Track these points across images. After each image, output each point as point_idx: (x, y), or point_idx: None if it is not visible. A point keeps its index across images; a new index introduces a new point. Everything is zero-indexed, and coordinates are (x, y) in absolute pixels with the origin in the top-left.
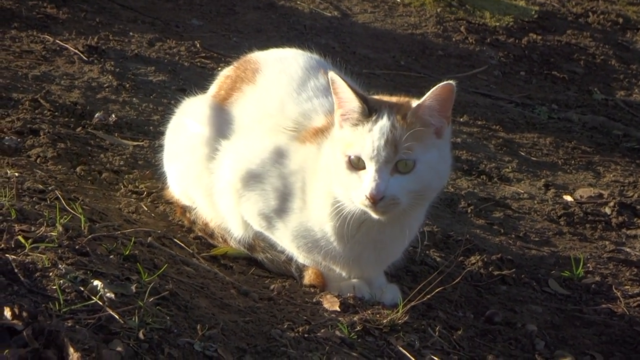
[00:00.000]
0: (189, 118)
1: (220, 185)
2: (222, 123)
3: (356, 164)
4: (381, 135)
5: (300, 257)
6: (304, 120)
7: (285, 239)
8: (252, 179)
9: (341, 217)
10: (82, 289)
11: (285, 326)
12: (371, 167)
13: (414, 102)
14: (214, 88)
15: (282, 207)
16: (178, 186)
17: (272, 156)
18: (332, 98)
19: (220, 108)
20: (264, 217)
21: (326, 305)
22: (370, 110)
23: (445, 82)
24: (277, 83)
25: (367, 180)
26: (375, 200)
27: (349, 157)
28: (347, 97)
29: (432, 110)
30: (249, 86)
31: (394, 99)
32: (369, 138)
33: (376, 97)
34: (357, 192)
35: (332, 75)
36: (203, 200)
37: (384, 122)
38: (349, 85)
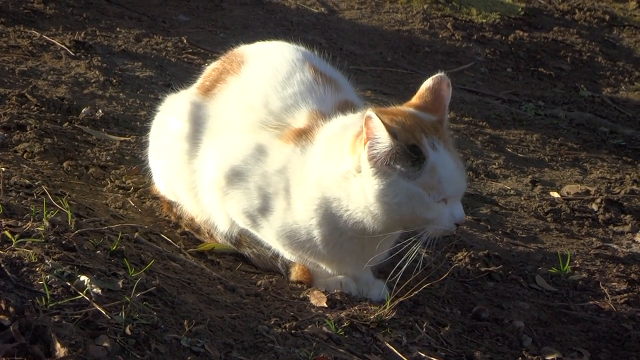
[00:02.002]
0: (170, 114)
1: (204, 182)
2: (203, 117)
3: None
4: (459, 173)
5: (286, 254)
6: (288, 117)
7: (270, 237)
8: (236, 177)
9: (334, 227)
10: (69, 284)
11: (272, 322)
12: (454, 199)
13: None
14: (199, 80)
15: (265, 206)
16: (163, 182)
17: (255, 153)
18: (316, 94)
19: (202, 102)
20: (248, 215)
21: (313, 301)
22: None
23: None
24: (261, 75)
25: (457, 209)
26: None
27: (432, 197)
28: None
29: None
30: (233, 77)
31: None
32: (450, 179)
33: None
34: (444, 220)
35: (370, 114)
36: (187, 196)
37: (448, 158)
38: (388, 132)
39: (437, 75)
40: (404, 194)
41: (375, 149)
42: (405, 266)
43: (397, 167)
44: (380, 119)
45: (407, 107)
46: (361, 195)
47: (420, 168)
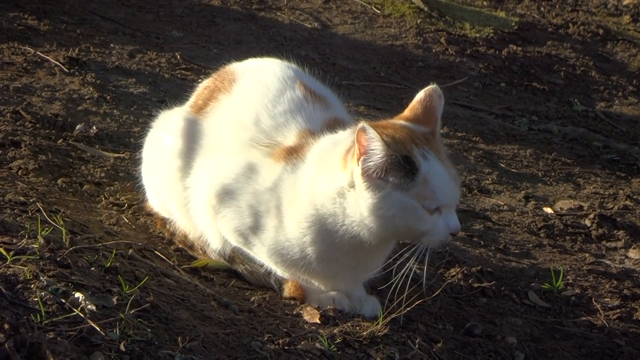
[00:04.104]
0: (163, 131)
1: (196, 200)
2: (196, 135)
3: (432, 210)
4: (451, 182)
5: (279, 271)
6: (278, 135)
7: (262, 254)
8: (227, 195)
9: (330, 243)
10: (64, 301)
11: (266, 338)
12: (448, 209)
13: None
14: (192, 99)
15: (257, 225)
16: (156, 199)
17: (246, 172)
18: (306, 112)
19: (195, 119)
20: (240, 234)
21: (306, 317)
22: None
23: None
24: (252, 93)
25: (452, 219)
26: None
27: (426, 207)
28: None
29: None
30: (225, 95)
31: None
32: (443, 188)
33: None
34: (439, 231)
35: (364, 126)
36: (179, 212)
37: (440, 168)
38: (383, 143)
39: (428, 87)
40: (398, 206)
41: (369, 162)
42: (399, 281)
43: (390, 179)
44: (374, 130)
45: (397, 120)
46: (356, 210)
47: (413, 179)
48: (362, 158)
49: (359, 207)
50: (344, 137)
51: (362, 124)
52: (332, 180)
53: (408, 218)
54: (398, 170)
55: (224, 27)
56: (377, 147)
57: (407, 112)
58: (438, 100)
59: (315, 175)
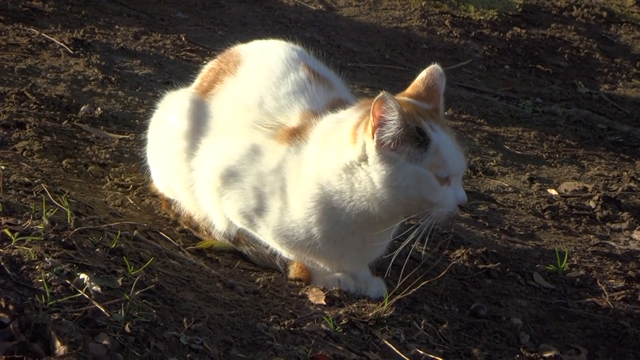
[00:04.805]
0: (169, 112)
1: (201, 182)
2: (201, 116)
3: (442, 180)
4: (459, 152)
5: (284, 253)
6: (281, 117)
7: (267, 236)
8: (232, 177)
9: (336, 222)
10: (69, 282)
11: (271, 319)
12: (456, 180)
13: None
14: (197, 80)
15: (261, 206)
16: (161, 180)
17: (250, 154)
18: (309, 93)
19: (201, 101)
20: (245, 215)
21: (312, 298)
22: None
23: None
24: (257, 75)
25: (460, 190)
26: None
27: (439, 176)
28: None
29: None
30: (230, 78)
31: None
32: (453, 157)
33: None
34: (449, 202)
35: (384, 95)
36: (184, 194)
37: (447, 138)
38: (401, 113)
39: (430, 66)
40: (412, 176)
41: (386, 133)
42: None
43: (405, 150)
44: (394, 100)
45: (402, 97)
46: (368, 184)
47: (426, 149)
48: (377, 130)
49: (371, 181)
50: (347, 114)
51: (383, 93)
52: (339, 157)
53: (422, 188)
54: (412, 140)
55: (229, 9)
56: (394, 117)
57: (409, 90)
58: (439, 78)
59: (319, 154)
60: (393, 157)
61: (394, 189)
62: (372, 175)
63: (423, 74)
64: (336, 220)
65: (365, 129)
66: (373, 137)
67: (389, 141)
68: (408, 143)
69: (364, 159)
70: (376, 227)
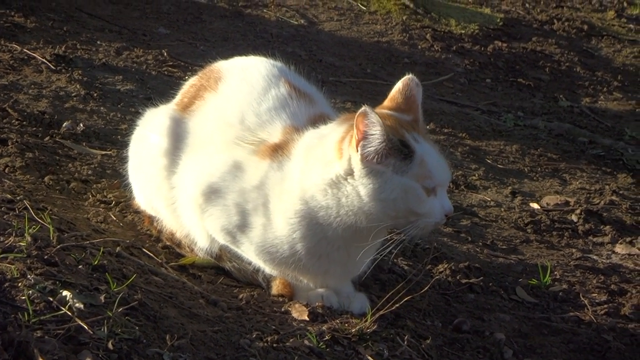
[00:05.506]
0: (149, 129)
1: (182, 199)
2: (181, 133)
3: (429, 191)
4: (444, 162)
5: (267, 269)
6: (263, 133)
7: (250, 252)
8: (214, 194)
9: (322, 237)
10: (51, 299)
11: (254, 336)
12: (441, 190)
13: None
14: (178, 97)
15: (244, 223)
16: (143, 197)
17: (232, 170)
18: (290, 108)
19: (181, 118)
20: (228, 232)
21: (295, 314)
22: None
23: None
24: (238, 91)
25: (446, 201)
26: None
27: (426, 187)
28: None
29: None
30: (210, 94)
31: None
32: (438, 167)
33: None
34: (435, 212)
35: (366, 110)
36: (166, 211)
37: (431, 149)
38: (383, 127)
39: (405, 77)
40: (400, 189)
41: (369, 147)
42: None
43: (391, 163)
44: (376, 114)
45: (382, 110)
46: (355, 198)
47: (411, 161)
48: (361, 144)
49: (358, 194)
50: (330, 129)
51: (364, 108)
52: (324, 172)
53: (409, 200)
54: (397, 153)
55: (211, 24)
56: (376, 132)
57: (387, 102)
58: (416, 88)
59: (303, 169)
60: (379, 170)
61: (381, 201)
62: (359, 189)
63: (399, 85)
64: (322, 235)
65: (350, 143)
66: (357, 151)
67: (373, 155)
68: (392, 156)
69: (350, 173)
70: (362, 241)
